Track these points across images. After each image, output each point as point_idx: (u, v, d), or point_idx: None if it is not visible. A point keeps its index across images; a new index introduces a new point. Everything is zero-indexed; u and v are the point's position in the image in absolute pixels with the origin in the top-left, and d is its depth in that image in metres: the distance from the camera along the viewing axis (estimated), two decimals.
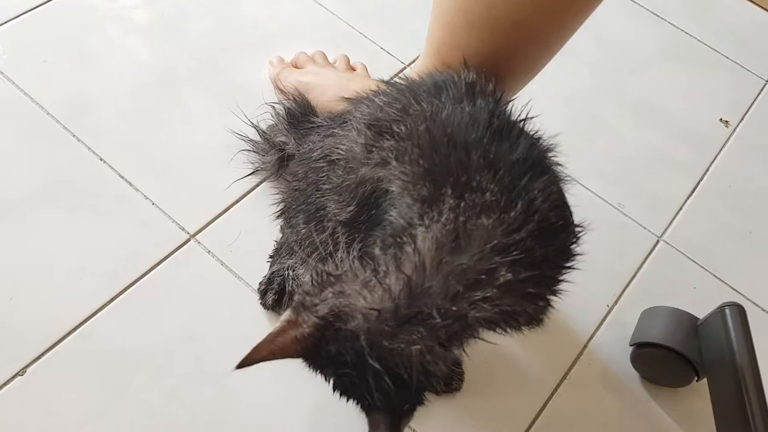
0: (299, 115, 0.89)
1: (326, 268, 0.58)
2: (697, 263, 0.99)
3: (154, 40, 1.06)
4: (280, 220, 0.85)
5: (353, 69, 1.04)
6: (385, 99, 0.68)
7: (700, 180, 1.09)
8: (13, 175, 0.89)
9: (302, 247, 0.76)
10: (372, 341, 0.54)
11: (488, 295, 0.54)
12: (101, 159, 0.92)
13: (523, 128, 0.64)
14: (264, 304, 0.84)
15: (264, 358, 0.57)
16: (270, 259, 0.87)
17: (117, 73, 1.01)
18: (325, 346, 0.56)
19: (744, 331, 0.77)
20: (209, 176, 0.94)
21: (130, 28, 1.07)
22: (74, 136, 0.93)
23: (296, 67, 1.02)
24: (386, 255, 0.57)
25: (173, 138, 0.96)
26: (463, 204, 0.55)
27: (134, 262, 0.85)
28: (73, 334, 0.79)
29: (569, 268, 0.61)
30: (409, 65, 1.11)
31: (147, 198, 0.90)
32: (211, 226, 0.90)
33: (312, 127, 0.84)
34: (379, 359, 0.54)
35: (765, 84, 1.23)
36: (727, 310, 0.79)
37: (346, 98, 0.75)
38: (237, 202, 0.92)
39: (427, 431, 0.79)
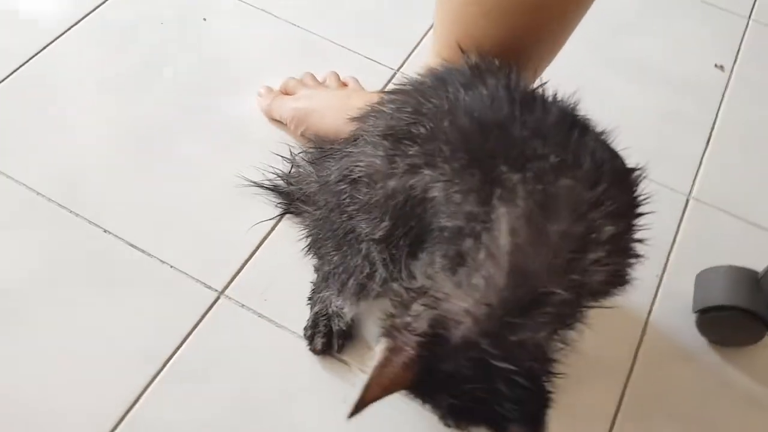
0: (318, 154, 0.84)
1: (403, 285, 0.54)
2: (732, 215, 0.97)
3: (132, 93, 0.99)
4: (312, 257, 0.80)
5: (345, 84, 0.99)
6: (393, 106, 0.64)
7: (712, 129, 1.07)
8: (16, 265, 0.82)
9: (336, 276, 0.72)
10: (494, 341, 0.50)
11: (601, 255, 0.51)
12: (105, 230, 0.86)
13: (543, 94, 0.61)
14: (314, 350, 0.79)
15: (377, 396, 0.51)
16: (309, 301, 0.81)
17: (101, 136, 0.94)
18: (438, 365, 0.51)
19: None
20: (223, 225, 0.88)
21: (104, 87, 1.00)
22: (71, 212, 0.87)
23: (287, 93, 0.97)
24: (467, 248, 0.52)
25: (176, 192, 0.90)
26: (530, 174, 0.52)
27: (166, 334, 0.79)
28: (120, 426, 0.73)
29: (643, 213, 0.58)
30: (398, 70, 1.07)
31: (164, 262, 0.84)
32: (238, 277, 0.84)
33: (327, 154, 0.79)
34: (506, 359, 0.50)
35: (748, 21, 1.22)
36: None
37: (353, 117, 0.71)
38: (259, 246, 0.87)
39: None
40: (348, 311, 0.76)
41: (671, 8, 1.23)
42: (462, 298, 0.51)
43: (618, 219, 0.53)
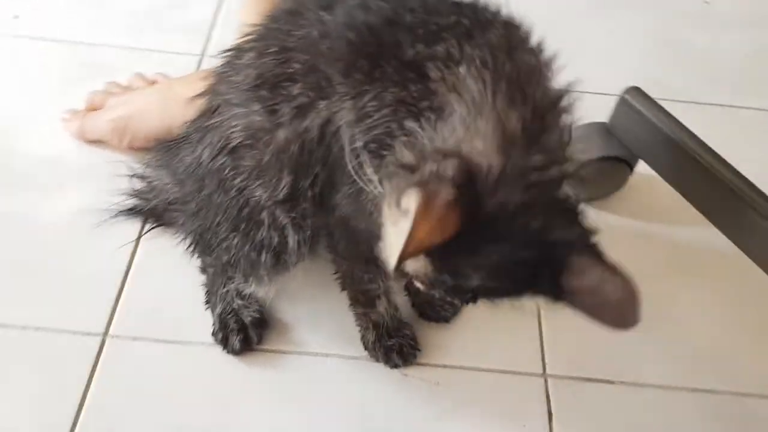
0: (164, 154, 0.76)
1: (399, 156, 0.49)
2: None
3: None
4: (198, 256, 0.73)
5: (154, 83, 0.91)
6: (251, 55, 0.60)
7: None
8: None
9: (243, 260, 0.66)
10: (544, 150, 0.48)
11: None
12: None
13: None
14: (232, 351, 0.72)
15: (421, 247, 0.44)
16: (208, 305, 0.74)
17: None
18: (482, 206, 0.45)
19: (653, 103, 0.81)
20: (81, 266, 0.77)
21: None
22: None
23: (95, 109, 0.87)
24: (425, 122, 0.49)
25: (15, 249, 0.78)
26: (453, 41, 0.51)
27: (65, 398, 0.67)
28: None
29: None
30: (203, 54, 1.00)
31: (26, 327, 0.72)
32: (117, 312, 0.74)
33: (179, 145, 0.71)
34: (553, 180, 0.49)
35: None
36: (628, 97, 0.82)
37: (195, 96, 0.65)
38: (128, 272, 0.77)
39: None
40: (265, 292, 0.69)
41: None
42: (476, 132, 0.47)
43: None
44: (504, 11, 0.56)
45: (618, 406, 0.71)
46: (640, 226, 0.89)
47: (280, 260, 0.64)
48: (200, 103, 0.66)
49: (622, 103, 0.83)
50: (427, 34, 0.52)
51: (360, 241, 0.60)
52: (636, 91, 0.82)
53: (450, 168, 0.45)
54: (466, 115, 0.48)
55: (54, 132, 0.88)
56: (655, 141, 0.80)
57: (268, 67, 0.57)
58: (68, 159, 0.86)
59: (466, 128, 0.47)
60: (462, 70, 0.49)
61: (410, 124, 0.49)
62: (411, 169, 0.47)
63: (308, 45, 0.55)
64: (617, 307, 0.47)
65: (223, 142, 0.61)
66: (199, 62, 0.99)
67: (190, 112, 0.68)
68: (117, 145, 0.85)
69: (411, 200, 0.43)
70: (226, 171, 0.61)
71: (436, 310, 0.76)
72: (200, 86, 0.66)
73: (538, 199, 0.47)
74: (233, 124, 0.59)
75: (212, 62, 0.94)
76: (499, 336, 0.75)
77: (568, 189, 0.50)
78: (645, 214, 0.89)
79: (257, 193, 0.61)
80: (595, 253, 0.48)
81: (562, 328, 0.76)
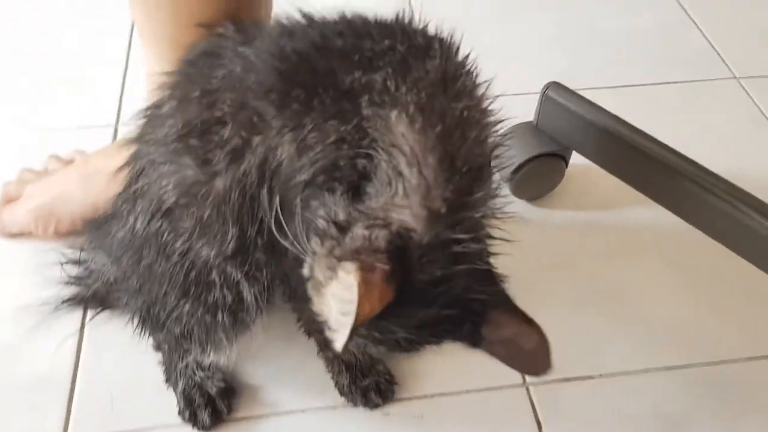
0: (95, 232, 0.72)
1: (328, 220, 0.48)
2: None
3: None
4: (149, 334, 0.69)
5: (71, 162, 0.87)
6: (172, 103, 0.57)
7: None
8: None
9: (196, 327, 0.62)
10: (465, 228, 0.48)
11: (491, 119, 0.53)
12: None
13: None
14: (202, 427, 0.68)
15: (365, 317, 0.45)
16: (168, 382, 0.70)
17: None
18: (413, 273, 0.47)
19: (575, 94, 0.82)
20: (20, 366, 0.73)
21: None
22: None
23: (12, 200, 0.83)
24: (364, 168, 0.48)
25: None
26: (390, 69, 0.49)
27: None
28: None
29: None
30: (118, 123, 0.97)
31: None
32: (73, 408, 0.70)
33: (107, 222, 0.67)
34: (479, 241, 0.49)
35: None
36: (550, 93, 0.83)
37: (118, 168, 0.62)
38: (77, 364, 0.73)
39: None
40: (225, 358, 0.66)
41: None
42: (404, 205, 0.47)
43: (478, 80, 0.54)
44: (434, 28, 0.54)
45: (602, 400, 0.71)
46: (584, 216, 0.89)
47: (237, 319, 0.61)
48: (124, 174, 0.62)
49: (546, 100, 0.84)
50: (362, 60, 0.50)
51: None
52: (557, 85, 0.83)
53: (382, 239, 0.46)
54: (393, 177, 0.48)
55: None
56: (583, 130, 0.81)
57: (193, 113, 0.54)
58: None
59: (395, 194, 0.48)
60: (393, 115, 0.48)
61: (358, 161, 0.49)
62: (342, 229, 0.47)
63: (233, 82, 0.53)
64: (531, 356, 0.51)
65: (155, 205, 0.57)
66: (115, 132, 0.96)
67: (114, 185, 0.64)
68: (43, 234, 0.80)
69: (351, 276, 0.43)
70: (164, 235, 0.57)
71: None
72: (120, 157, 0.62)
73: (462, 269, 0.49)
74: (163, 183, 0.56)
75: (128, 129, 0.93)
76: (472, 354, 0.74)
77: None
78: (587, 203, 0.90)
79: (203, 253, 0.57)
80: (511, 307, 0.51)
81: None
